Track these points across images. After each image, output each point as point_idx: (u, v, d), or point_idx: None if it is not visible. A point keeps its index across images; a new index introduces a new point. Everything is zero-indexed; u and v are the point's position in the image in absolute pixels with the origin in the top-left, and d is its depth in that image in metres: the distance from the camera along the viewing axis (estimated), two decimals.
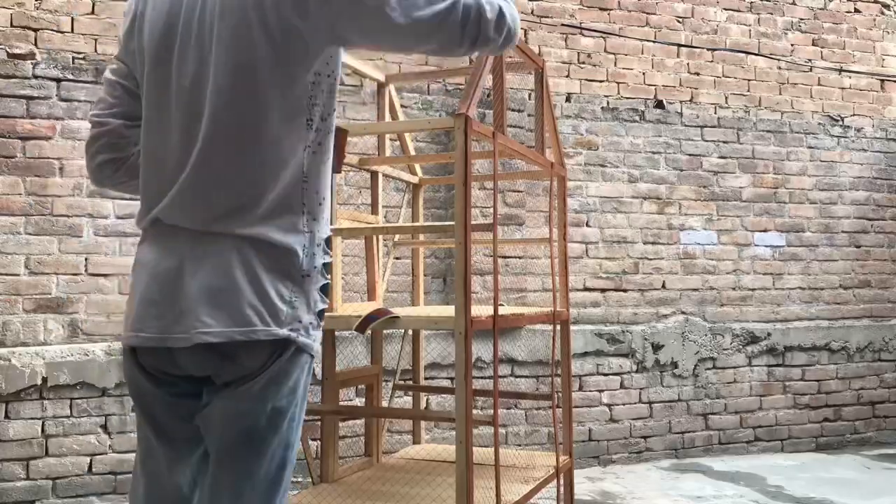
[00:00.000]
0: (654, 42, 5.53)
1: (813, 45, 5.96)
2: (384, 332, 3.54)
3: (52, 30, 4.22)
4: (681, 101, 5.57)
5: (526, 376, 4.95)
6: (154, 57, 1.51)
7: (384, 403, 3.71)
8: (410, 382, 3.83)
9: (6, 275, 4.05)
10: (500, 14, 1.49)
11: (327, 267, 1.53)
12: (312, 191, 1.48)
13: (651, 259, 5.40)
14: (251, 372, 1.43)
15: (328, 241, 1.54)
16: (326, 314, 2.85)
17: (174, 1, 1.50)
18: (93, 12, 4.27)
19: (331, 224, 2.93)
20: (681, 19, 5.62)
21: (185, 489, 1.51)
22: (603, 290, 5.28)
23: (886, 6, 6.16)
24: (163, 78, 1.50)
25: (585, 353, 5.12)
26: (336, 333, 3.14)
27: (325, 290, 1.53)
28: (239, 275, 1.42)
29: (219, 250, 1.43)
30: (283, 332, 1.43)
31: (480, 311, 2.81)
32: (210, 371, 1.46)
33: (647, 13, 5.53)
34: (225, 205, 1.43)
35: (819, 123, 5.91)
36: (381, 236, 3.45)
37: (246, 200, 1.43)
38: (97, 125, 1.64)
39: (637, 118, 5.44)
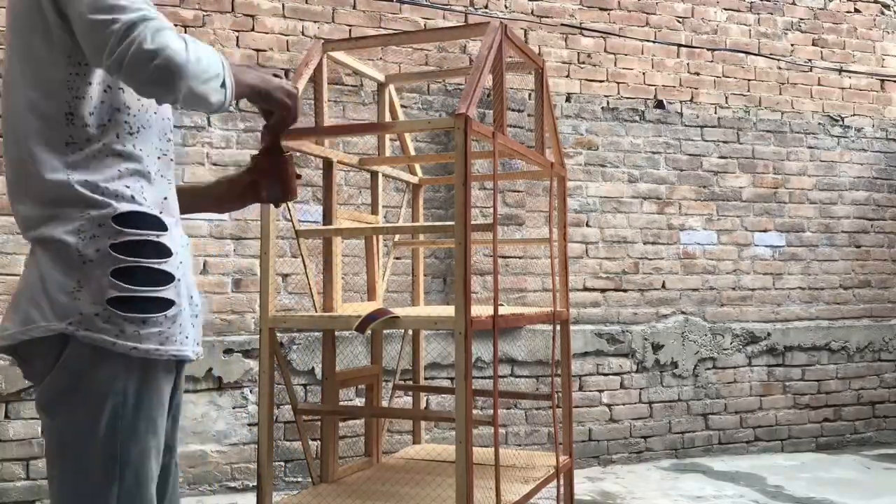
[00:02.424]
0: (654, 42, 5.53)
1: (813, 45, 5.96)
2: (384, 332, 3.54)
3: None
4: (681, 101, 5.57)
5: (526, 376, 4.95)
6: None
7: (384, 403, 3.71)
8: (410, 382, 3.83)
9: (6, 275, 4.05)
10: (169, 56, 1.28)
11: (131, 247, 1.34)
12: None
13: (651, 259, 5.40)
14: (41, 376, 1.34)
15: (123, 218, 1.35)
16: (327, 314, 2.86)
17: None
18: None
19: (328, 223, 2.94)
20: (681, 19, 5.62)
21: None
22: (603, 290, 5.28)
23: (886, 6, 6.17)
24: None
25: (585, 353, 5.12)
26: (336, 333, 3.14)
27: (137, 275, 1.34)
28: (30, 275, 1.36)
29: (29, 254, 1.41)
30: (60, 325, 1.30)
31: (480, 311, 2.81)
32: (25, 377, 1.41)
33: (647, 13, 5.53)
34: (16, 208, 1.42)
35: (819, 123, 5.91)
36: (381, 236, 3.45)
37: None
38: None
39: (637, 118, 5.44)
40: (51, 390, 1.33)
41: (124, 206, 1.35)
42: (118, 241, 1.33)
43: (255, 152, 1.73)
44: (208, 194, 1.77)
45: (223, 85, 1.35)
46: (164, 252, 1.38)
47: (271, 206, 2.75)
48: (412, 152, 3.70)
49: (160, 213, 1.42)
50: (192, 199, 1.73)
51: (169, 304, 1.36)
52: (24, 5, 1.39)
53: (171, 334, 1.36)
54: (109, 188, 1.36)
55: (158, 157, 1.46)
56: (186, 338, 1.41)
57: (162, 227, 1.40)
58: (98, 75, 1.40)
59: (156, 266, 1.36)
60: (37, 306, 1.32)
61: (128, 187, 1.38)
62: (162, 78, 1.27)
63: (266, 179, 1.69)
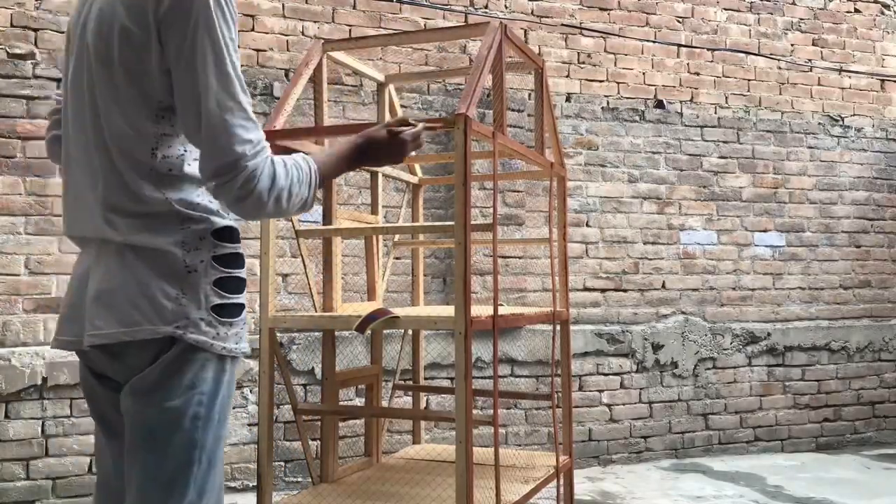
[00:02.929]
0: (654, 42, 5.53)
1: (813, 45, 5.96)
2: (384, 332, 3.54)
3: (52, 30, 4.22)
4: (681, 101, 5.57)
5: (526, 376, 4.95)
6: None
7: (384, 403, 3.71)
8: (410, 382, 3.83)
9: (6, 275, 4.05)
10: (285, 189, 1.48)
11: (227, 259, 1.51)
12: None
13: (651, 259, 5.40)
14: (139, 370, 1.46)
15: (220, 232, 1.51)
16: (327, 314, 2.86)
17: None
18: None
19: (328, 223, 2.94)
20: (681, 19, 5.62)
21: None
22: (603, 290, 5.28)
23: (886, 6, 6.16)
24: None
25: (585, 353, 5.12)
26: (336, 333, 3.14)
27: (229, 284, 1.51)
28: (125, 277, 1.46)
29: (108, 257, 1.49)
30: (168, 329, 1.44)
31: (480, 311, 2.81)
32: (108, 371, 1.53)
33: (647, 13, 5.53)
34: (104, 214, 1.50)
35: (819, 123, 5.91)
36: (381, 236, 3.45)
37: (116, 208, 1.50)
38: (57, 101, 1.71)
39: (637, 118, 5.44)
40: (150, 382, 1.46)
41: (219, 222, 1.51)
42: (218, 254, 1.50)
43: None
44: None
45: (304, 203, 1.55)
46: (244, 261, 1.56)
47: None
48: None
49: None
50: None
51: (244, 308, 1.54)
52: (125, 41, 1.44)
53: (243, 334, 1.54)
54: (202, 205, 1.50)
55: None
56: (245, 336, 1.57)
57: (240, 238, 1.57)
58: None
59: (241, 275, 1.54)
60: (138, 309, 1.44)
61: (211, 202, 1.52)
62: (253, 215, 1.48)
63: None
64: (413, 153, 1.80)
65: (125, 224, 1.47)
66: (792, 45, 5.90)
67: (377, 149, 1.72)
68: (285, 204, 1.48)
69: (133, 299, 1.44)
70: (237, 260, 1.53)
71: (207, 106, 1.39)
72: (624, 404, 5.25)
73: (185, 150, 1.51)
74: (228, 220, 1.53)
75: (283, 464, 4.48)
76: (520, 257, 5.01)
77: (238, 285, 1.52)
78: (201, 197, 1.51)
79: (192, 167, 1.50)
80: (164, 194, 1.47)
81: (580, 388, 5.11)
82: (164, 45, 1.41)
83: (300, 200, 1.52)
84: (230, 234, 1.53)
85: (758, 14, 5.81)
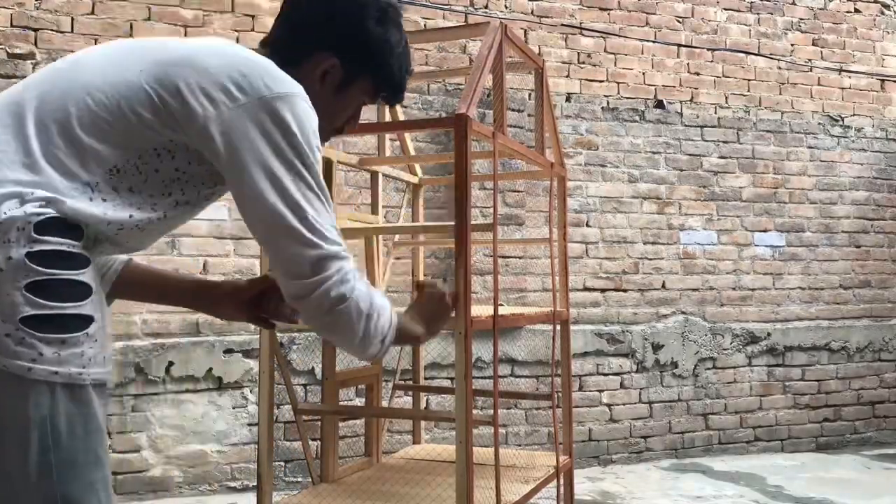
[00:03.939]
0: (654, 42, 5.53)
1: (813, 45, 5.96)
2: None
3: (52, 30, 4.22)
4: (681, 101, 5.57)
5: (526, 376, 4.95)
6: None
7: (384, 403, 3.71)
8: (410, 382, 3.83)
9: None
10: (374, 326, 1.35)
11: (51, 257, 1.14)
12: None
13: (651, 259, 5.40)
14: None
15: (44, 225, 1.14)
16: None
17: None
18: (93, 12, 4.27)
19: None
20: (681, 19, 5.62)
21: None
22: (603, 290, 5.28)
23: (886, 6, 6.16)
24: None
25: (585, 353, 5.12)
26: None
27: (56, 289, 1.13)
28: None
29: None
30: None
31: (480, 311, 2.80)
32: None
33: (647, 13, 5.53)
34: None
35: (819, 123, 5.91)
36: (381, 236, 3.45)
37: None
38: None
39: (637, 118, 5.44)
40: None
41: (43, 210, 1.16)
42: (34, 251, 1.13)
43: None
44: (201, 293, 1.64)
45: (384, 340, 1.39)
46: (85, 261, 1.21)
47: None
48: (412, 152, 3.70)
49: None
50: (173, 292, 1.62)
51: (89, 321, 1.18)
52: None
53: (93, 354, 1.18)
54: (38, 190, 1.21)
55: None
56: (104, 358, 1.22)
57: (83, 235, 1.22)
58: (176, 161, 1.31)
59: (76, 277, 1.18)
60: None
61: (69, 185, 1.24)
62: (342, 334, 1.34)
63: (276, 294, 1.52)
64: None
65: None
66: (792, 45, 5.90)
67: (431, 308, 1.59)
68: (374, 323, 1.34)
69: None
70: (71, 258, 1.16)
71: (282, 211, 1.26)
72: (624, 404, 5.25)
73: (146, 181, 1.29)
74: (72, 214, 1.19)
75: (283, 464, 4.48)
76: (520, 257, 5.01)
77: (72, 291, 1.15)
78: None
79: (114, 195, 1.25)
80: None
81: (580, 388, 5.11)
82: (223, 137, 1.26)
83: (381, 331, 1.37)
84: (62, 228, 1.17)
85: (758, 14, 5.81)
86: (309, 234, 1.27)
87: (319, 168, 1.32)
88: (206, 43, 1.37)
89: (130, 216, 1.28)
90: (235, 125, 1.25)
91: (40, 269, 1.12)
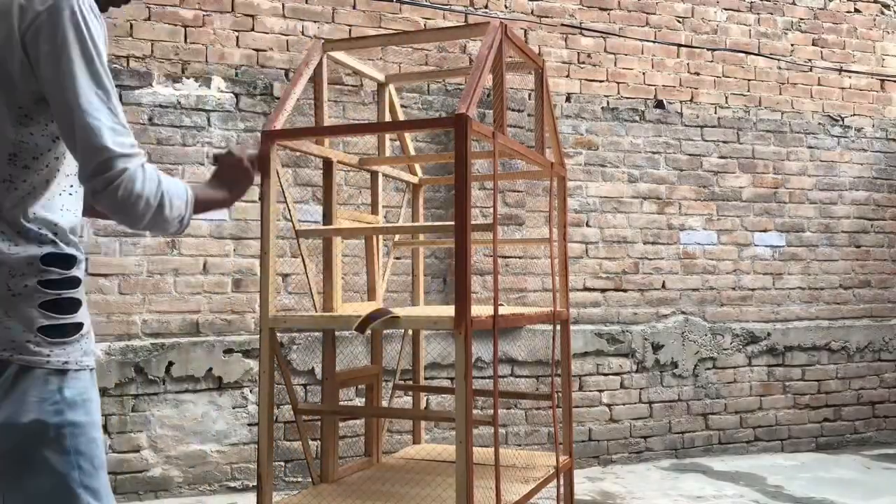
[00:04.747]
0: (654, 42, 5.53)
1: (813, 45, 5.96)
2: (384, 332, 3.54)
3: None
4: (681, 101, 5.57)
5: (526, 376, 4.95)
6: None
7: (384, 403, 3.71)
8: (410, 382, 3.83)
9: None
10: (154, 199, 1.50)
11: (57, 283, 1.50)
12: None
13: (651, 259, 5.40)
14: None
15: (49, 259, 1.49)
16: (327, 314, 2.86)
17: None
18: None
19: (328, 223, 2.93)
20: (681, 19, 5.62)
21: None
22: (603, 290, 5.28)
23: (886, 6, 6.17)
24: None
25: (585, 353, 5.12)
26: (336, 333, 3.14)
27: (61, 306, 1.49)
28: None
29: None
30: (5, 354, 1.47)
31: (480, 311, 2.80)
32: None
33: (647, 13, 5.53)
34: None
35: (819, 123, 5.91)
36: (381, 236, 3.45)
37: None
38: None
39: (637, 118, 5.44)
40: None
41: (45, 250, 1.49)
42: (44, 279, 1.48)
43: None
44: None
45: (182, 220, 1.58)
46: (78, 283, 1.54)
47: (271, 205, 2.75)
48: (412, 152, 3.70)
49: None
50: None
51: (82, 326, 1.53)
52: None
53: (87, 349, 1.54)
54: (34, 229, 1.50)
55: (70, 194, 1.57)
56: (91, 351, 1.57)
57: (75, 264, 1.54)
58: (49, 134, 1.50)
59: (74, 296, 1.53)
60: None
61: (55, 224, 1.52)
62: (135, 217, 1.49)
63: None
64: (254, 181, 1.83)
65: None
66: (792, 45, 5.90)
67: (230, 173, 1.76)
68: (167, 211, 1.51)
69: None
70: (70, 283, 1.52)
71: (81, 110, 1.42)
72: (624, 404, 5.25)
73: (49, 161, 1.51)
74: (63, 248, 1.51)
75: (283, 464, 4.48)
76: (520, 257, 5.01)
77: (71, 306, 1.51)
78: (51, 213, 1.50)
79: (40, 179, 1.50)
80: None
81: (580, 388, 5.11)
82: (30, 55, 1.43)
83: (178, 214, 1.54)
84: (61, 262, 1.51)
85: (758, 14, 5.81)
86: (104, 138, 1.42)
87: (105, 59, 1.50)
88: None
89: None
90: (34, 39, 1.42)
91: (49, 291, 1.48)
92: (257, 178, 1.93)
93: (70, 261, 1.52)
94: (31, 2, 1.42)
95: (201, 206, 1.65)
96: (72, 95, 1.42)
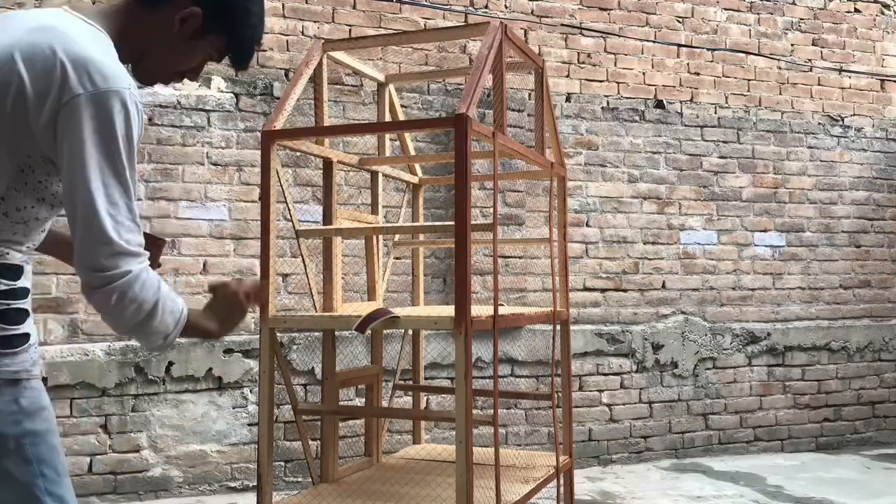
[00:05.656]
0: (654, 42, 5.53)
1: (813, 45, 5.96)
2: (384, 332, 3.54)
3: None
4: (681, 101, 5.57)
5: (526, 376, 4.95)
6: None
7: (384, 403, 3.71)
8: (410, 382, 3.83)
9: None
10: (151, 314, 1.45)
11: (4, 293, 1.47)
12: None
13: (651, 259, 5.40)
14: None
15: None
16: (327, 314, 2.86)
17: None
18: None
19: (328, 223, 2.94)
20: (681, 19, 5.62)
21: None
22: (603, 290, 5.28)
23: (886, 6, 6.17)
24: None
25: (585, 353, 5.12)
26: (336, 333, 3.14)
27: (8, 316, 1.47)
28: None
29: None
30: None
31: (480, 311, 2.80)
32: None
33: (647, 13, 5.53)
34: None
35: (819, 123, 5.91)
36: (381, 236, 3.45)
37: None
38: None
39: (637, 118, 5.44)
40: None
41: None
42: None
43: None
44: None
45: (166, 337, 1.52)
46: (25, 293, 1.51)
47: (271, 205, 2.75)
48: (412, 152, 3.70)
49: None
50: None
51: (28, 337, 1.51)
52: (15, 97, 1.38)
53: (33, 359, 1.52)
54: None
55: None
56: (38, 360, 1.55)
57: (22, 274, 1.51)
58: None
59: (20, 306, 1.50)
60: None
61: None
62: (120, 322, 1.45)
63: None
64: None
65: None
66: (792, 45, 5.90)
67: (223, 306, 1.68)
68: (156, 322, 1.46)
69: None
70: (17, 293, 1.49)
71: (94, 197, 1.38)
72: (624, 404, 5.25)
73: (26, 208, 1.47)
74: (10, 259, 1.48)
75: (283, 464, 4.48)
76: (520, 257, 5.01)
77: (18, 316, 1.49)
78: None
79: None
80: None
81: (580, 388, 5.11)
82: (58, 128, 1.38)
83: (164, 331, 1.48)
84: (9, 273, 1.48)
85: (758, 14, 5.81)
86: (111, 230, 1.38)
87: (135, 159, 1.45)
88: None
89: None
90: (69, 116, 1.37)
91: None
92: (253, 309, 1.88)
93: (17, 272, 1.50)
94: (82, 77, 1.37)
95: (190, 330, 1.58)
96: (88, 181, 1.38)
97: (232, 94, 4.56)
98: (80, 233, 1.40)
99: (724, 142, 5.65)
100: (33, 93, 1.37)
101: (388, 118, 3.48)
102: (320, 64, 3.02)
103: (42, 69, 1.37)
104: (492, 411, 2.63)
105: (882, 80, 6.12)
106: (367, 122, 4.69)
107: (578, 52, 5.35)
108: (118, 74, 1.40)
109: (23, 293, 1.50)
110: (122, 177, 1.40)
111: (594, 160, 5.31)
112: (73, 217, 1.40)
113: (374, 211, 3.38)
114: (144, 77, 1.59)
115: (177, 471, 4.32)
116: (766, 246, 5.71)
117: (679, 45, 5.60)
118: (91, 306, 1.46)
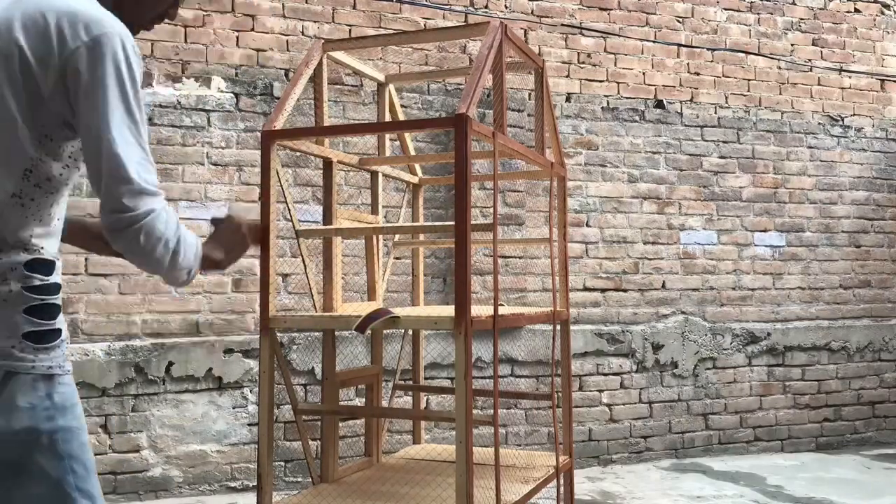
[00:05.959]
0: (654, 42, 5.53)
1: (813, 45, 5.96)
2: (384, 332, 3.54)
3: None
4: (681, 101, 5.57)
5: (526, 376, 4.95)
6: None
7: (384, 403, 3.71)
8: (410, 382, 3.83)
9: None
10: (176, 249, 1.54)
11: (40, 289, 1.49)
12: None
13: (651, 259, 5.40)
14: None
15: (32, 265, 1.49)
16: (327, 314, 2.86)
17: None
18: None
19: (328, 223, 2.94)
20: (681, 19, 5.62)
21: None
22: (603, 290, 5.28)
23: (886, 6, 6.17)
24: None
25: (585, 353, 5.12)
26: (336, 333, 3.14)
27: (44, 311, 1.49)
28: None
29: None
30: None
31: (480, 311, 2.80)
32: None
33: (647, 13, 5.53)
34: None
35: (819, 123, 5.91)
36: (381, 236, 3.45)
37: None
38: None
39: (637, 118, 5.44)
40: None
41: (26, 256, 1.50)
42: (28, 285, 1.48)
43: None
44: (86, 232, 1.98)
45: (189, 272, 1.63)
46: (57, 289, 1.55)
47: (272, 205, 2.75)
48: (412, 152, 3.70)
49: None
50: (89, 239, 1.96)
51: (61, 332, 1.54)
52: (19, 65, 1.42)
53: (65, 354, 1.55)
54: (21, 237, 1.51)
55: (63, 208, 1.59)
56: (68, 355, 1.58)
57: (55, 269, 1.54)
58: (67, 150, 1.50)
59: (55, 301, 1.54)
60: None
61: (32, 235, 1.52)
62: (153, 261, 1.52)
63: None
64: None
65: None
66: (792, 45, 5.90)
67: (228, 238, 1.81)
68: (181, 258, 1.54)
69: None
70: (51, 289, 1.52)
71: (111, 141, 1.42)
72: (624, 404, 5.25)
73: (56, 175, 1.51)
74: (45, 255, 1.51)
75: (283, 464, 4.48)
76: (520, 257, 5.01)
77: (52, 311, 1.51)
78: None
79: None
80: None
81: (580, 388, 5.11)
82: (68, 82, 1.42)
83: (188, 266, 1.58)
84: (43, 268, 1.51)
85: (758, 14, 5.81)
86: (132, 172, 1.43)
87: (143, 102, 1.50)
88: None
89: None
90: (75, 71, 1.42)
91: (34, 296, 1.48)
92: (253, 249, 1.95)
93: (51, 266, 1.53)
94: (75, 29, 1.42)
95: (204, 262, 1.66)
96: (104, 127, 1.42)
97: (232, 94, 4.56)
98: (103, 179, 1.44)
99: (724, 142, 5.65)
100: (35, 60, 1.41)
101: (388, 118, 3.48)
102: (320, 64, 3.02)
103: (36, 34, 1.42)
104: (492, 411, 2.63)
105: (882, 80, 6.12)
106: (367, 122, 4.69)
107: (578, 52, 5.35)
108: (108, 18, 1.45)
109: (56, 289, 1.53)
110: (133, 117, 1.46)
111: (594, 160, 5.31)
112: (95, 165, 1.44)
113: (374, 211, 3.38)
114: (126, 25, 1.61)
115: (177, 471, 4.32)
116: (766, 246, 5.71)
117: (679, 45, 5.60)
118: (120, 249, 1.51)
